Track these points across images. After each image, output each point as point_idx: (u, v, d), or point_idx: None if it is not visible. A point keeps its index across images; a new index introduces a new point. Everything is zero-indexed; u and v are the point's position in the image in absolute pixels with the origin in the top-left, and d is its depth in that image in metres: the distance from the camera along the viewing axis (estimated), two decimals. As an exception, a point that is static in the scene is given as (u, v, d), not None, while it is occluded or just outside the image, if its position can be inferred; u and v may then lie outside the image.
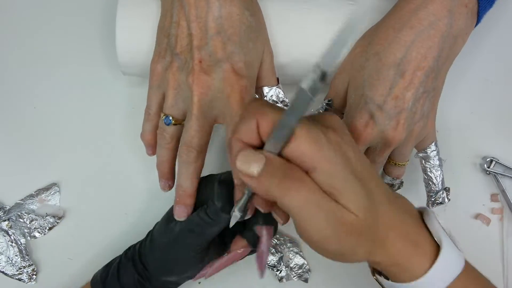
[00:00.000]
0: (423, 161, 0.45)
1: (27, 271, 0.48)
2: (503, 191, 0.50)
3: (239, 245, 0.39)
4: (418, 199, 0.49)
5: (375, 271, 0.37)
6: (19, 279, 0.47)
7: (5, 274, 0.47)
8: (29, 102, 0.51)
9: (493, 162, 0.50)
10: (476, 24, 0.41)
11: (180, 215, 0.39)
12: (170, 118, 0.39)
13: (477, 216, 0.50)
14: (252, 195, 0.33)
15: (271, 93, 0.41)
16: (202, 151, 0.38)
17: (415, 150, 0.45)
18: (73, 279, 0.48)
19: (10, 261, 0.47)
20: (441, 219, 0.50)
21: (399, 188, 0.46)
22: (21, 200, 0.49)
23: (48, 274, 0.49)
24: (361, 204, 0.30)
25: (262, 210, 0.33)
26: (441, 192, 0.45)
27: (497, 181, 0.50)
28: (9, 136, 0.51)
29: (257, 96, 0.41)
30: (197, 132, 0.37)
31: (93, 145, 0.50)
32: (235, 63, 0.37)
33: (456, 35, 0.40)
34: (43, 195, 0.49)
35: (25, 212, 0.48)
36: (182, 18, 0.37)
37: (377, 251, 0.32)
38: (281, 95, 0.41)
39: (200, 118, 0.37)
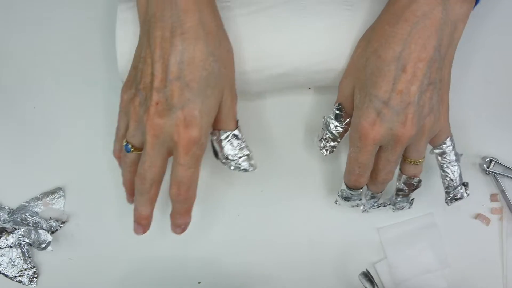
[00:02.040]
0: (439, 157, 0.44)
1: (28, 274, 0.48)
2: (502, 191, 0.50)
3: None
4: (436, 196, 0.49)
5: None
6: (19, 281, 0.47)
7: (6, 275, 0.47)
8: (30, 103, 0.51)
9: (493, 162, 0.51)
10: (475, 5, 0.41)
11: (137, 231, 0.43)
12: (129, 146, 0.40)
13: (477, 216, 0.51)
14: None
15: (227, 136, 0.42)
16: (155, 183, 0.40)
17: (430, 147, 0.45)
18: (75, 284, 0.49)
19: (12, 263, 0.47)
20: (440, 219, 0.51)
21: (417, 187, 0.45)
22: (25, 202, 0.49)
23: (49, 278, 0.48)
24: None
25: None
26: (459, 187, 0.45)
27: (497, 181, 0.51)
28: (13, 137, 0.50)
29: (214, 137, 0.42)
30: (150, 168, 0.39)
31: (96, 149, 0.50)
32: (189, 111, 0.37)
33: (455, 20, 0.39)
34: (47, 199, 0.49)
35: (29, 215, 0.48)
36: (148, 55, 0.38)
37: None
38: (238, 141, 0.42)
39: (153, 155, 0.39)
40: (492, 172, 0.50)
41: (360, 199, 0.46)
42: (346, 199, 0.46)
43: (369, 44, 0.40)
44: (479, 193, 0.51)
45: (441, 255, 0.50)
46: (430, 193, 0.47)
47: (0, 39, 0.52)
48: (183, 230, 0.43)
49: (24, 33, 0.52)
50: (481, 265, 0.50)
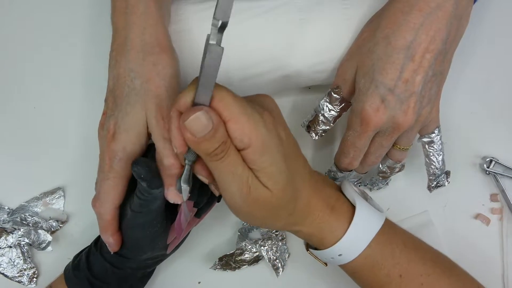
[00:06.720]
0: (426, 145, 0.45)
1: (27, 274, 0.48)
2: (502, 191, 0.50)
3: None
4: (436, 195, 0.50)
5: (308, 246, 0.42)
6: (19, 281, 0.47)
7: (5, 276, 0.47)
8: (30, 103, 0.51)
9: (493, 162, 0.51)
10: (474, 2, 0.41)
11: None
12: None
13: (477, 216, 0.51)
14: (192, 164, 0.34)
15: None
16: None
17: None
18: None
19: (12, 263, 0.47)
20: (440, 219, 0.51)
21: (400, 170, 0.46)
22: (25, 202, 0.49)
23: (49, 278, 0.48)
24: (281, 182, 0.34)
25: (204, 180, 0.35)
26: (442, 175, 0.46)
27: (497, 181, 0.51)
28: (13, 138, 0.51)
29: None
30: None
31: (96, 149, 0.49)
32: (113, 125, 0.38)
33: (461, 15, 0.40)
34: (47, 199, 0.49)
35: (29, 215, 0.48)
36: None
37: (297, 221, 0.38)
38: None
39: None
40: (492, 172, 0.50)
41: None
42: (333, 179, 0.46)
43: (379, 29, 0.40)
44: (479, 193, 0.51)
45: (440, 254, 0.50)
46: (428, 192, 0.47)
47: (0, 39, 0.52)
48: (111, 248, 0.40)
49: (24, 34, 0.52)
50: (481, 265, 0.50)
